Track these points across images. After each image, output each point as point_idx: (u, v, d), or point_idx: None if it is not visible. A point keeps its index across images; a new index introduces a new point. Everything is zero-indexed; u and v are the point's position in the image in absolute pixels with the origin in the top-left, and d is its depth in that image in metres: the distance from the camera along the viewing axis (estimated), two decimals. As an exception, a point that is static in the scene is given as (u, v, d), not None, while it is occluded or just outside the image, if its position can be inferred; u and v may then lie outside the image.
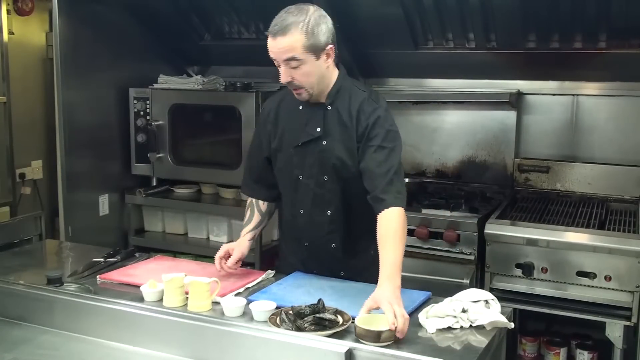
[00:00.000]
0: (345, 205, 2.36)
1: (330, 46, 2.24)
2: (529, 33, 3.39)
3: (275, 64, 2.23)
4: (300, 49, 2.17)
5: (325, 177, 2.33)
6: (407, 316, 1.89)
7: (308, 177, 2.35)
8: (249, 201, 2.57)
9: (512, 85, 3.68)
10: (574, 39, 3.34)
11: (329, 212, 2.36)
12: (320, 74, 2.24)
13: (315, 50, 2.20)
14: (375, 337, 1.79)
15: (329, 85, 2.30)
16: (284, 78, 2.22)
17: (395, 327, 1.82)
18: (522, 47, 3.44)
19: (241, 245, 2.44)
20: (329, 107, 2.31)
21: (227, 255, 2.38)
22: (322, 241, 2.39)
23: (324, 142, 2.31)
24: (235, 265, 2.38)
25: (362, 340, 1.80)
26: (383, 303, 1.89)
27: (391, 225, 2.13)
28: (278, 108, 2.43)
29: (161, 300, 2.12)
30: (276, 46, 2.19)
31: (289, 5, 3.72)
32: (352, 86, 2.37)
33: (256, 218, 2.53)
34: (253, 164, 2.55)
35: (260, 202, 2.54)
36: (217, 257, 2.39)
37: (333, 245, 2.39)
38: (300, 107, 2.34)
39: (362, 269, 2.41)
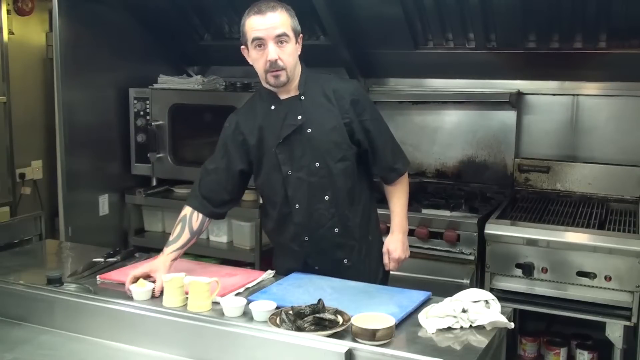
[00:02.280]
0: (342, 186, 2.39)
1: (301, 35, 2.34)
2: (529, 33, 3.39)
3: (256, 43, 2.25)
4: (289, 26, 2.27)
5: (317, 164, 2.35)
6: (404, 257, 2.55)
7: (298, 169, 2.36)
8: (181, 215, 2.46)
9: (512, 85, 3.68)
10: (574, 39, 3.33)
11: (326, 197, 2.37)
12: (296, 58, 2.33)
13: (296, 33, 2.31)
14: (371, 335, 1.79)
15: (298, 75, 2.36)
16: (273, 55, 2.23)
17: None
18: (522, 47, 3.44)
19: (165, 266, 2.30)
20: (303, 97, 2.36)
21: (146, 276, 2.25)
22: (324, 229, 2.38)
23: (309, 130, 2.34)
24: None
25: (357, 339, 1.80)
26: (389, 246, 2.51)
27: (402, 186, 2.58)
28: (245, 118, 2.44)
29: (151, 299, 2.12)
30: (267, 22, 2.23)
31: (287, 3, 3.73)
32: (316, 75, 2.44)
33: (185, 236, 2.41)
34: (209, 179, 2.48)
35: (194, 219, 2.43)
36: (132, 277, 2.21)
37: (336, 230, 2.39)
38: (273, 107, 2.37)
39: (365, 254, 2.46)
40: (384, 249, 2.54)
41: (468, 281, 3.06)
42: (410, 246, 3.15)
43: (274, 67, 2.25)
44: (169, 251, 2.37)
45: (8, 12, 4.32)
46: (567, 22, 3.23)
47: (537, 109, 3.71)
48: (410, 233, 3.15)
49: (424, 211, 3.27)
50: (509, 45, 3.45)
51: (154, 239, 3.92)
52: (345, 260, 2.43)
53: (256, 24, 2.25)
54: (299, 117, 2.33)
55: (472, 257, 3.10)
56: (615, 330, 2.86)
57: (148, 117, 3.82)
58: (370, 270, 2.49)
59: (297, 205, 2.39)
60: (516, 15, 3.23)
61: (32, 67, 4.56)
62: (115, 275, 2.37)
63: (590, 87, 3.59)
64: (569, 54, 3.38)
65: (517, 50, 3.46)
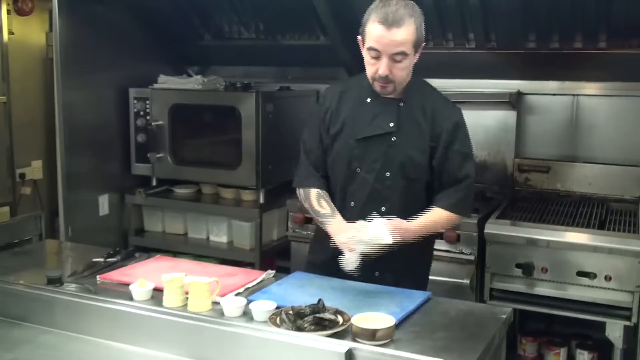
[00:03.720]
0: (401, 204, 2.30)
1: (422, 44, 2.26)
2: (529, 33, 3.39)
3: (371, 54, 2.18)
4: (410, 43, 2.16)
5: (388, 174, 2.30)
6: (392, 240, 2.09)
7: (368, 171, 2.30)
8: (313, 197, 2.34)
9: (512, 85, 3.68)
10: (574, 39, 3.33)
11: (383, 209, 2.29)
12: (409, 71, 2.26)
13: (417, 46, 2.21)
14: (371, 335, 1.79)
15: (407, 82, 2.30)
16: (384, 71, 2.17)
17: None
18: (522, 47, 3.44)
19: (346, 226, 2.20)
20: (402, 104, 2.30)
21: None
22: None
23: (394, 139, 2.29)
24: None
25: (357, 339, 1.80)
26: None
27: (443, 215, 2.29)
28: (340, 98, 2.36)
29: (151, 299, 2.12)
30: (389, 37, 2.13)
31: (287, 6, 3.74)
32: (422, 83, 2.38)
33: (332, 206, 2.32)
34: (314, 155, 2.39)
35: (325, 195, 2.36)
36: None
37: None
38: (369, 100, 2.31)
39: (400, 274, 2.34)
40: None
41: (468, 281, 3.06)
42: (411, 246, 3.18)
43: (382, 80, 2.21)
44: (337, 217, 2.26)
45: (8, 12, 4.32)
46: (567, 22, 3.23)
47: (537, 109, 3.71)
48: (410, 233, 3.17)
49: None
50: (509, 45, 3.45)
51: (154, 239, 3.92)
52: (377, 273, 2.34)
53: (377, 35, 2.15)
54: (391, 125, 2.28)
55: (472, 257, 3.10)
56: (615, 330, 2.86)
57: (148, 117, 3.82)
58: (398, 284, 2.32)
59: (352, 203, 2.34)
60: (516, 15, 3.23)
61: (32, 67, 4.57)
62: (115, 275, 2.37)
63: (590, 87, 3.59)
64: (569, 54, 3.38)
65: (517, 50, 3.46)
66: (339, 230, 2.20)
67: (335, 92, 2.39)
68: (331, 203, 2.34)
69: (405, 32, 2.14)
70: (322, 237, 2.34)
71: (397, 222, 2.16)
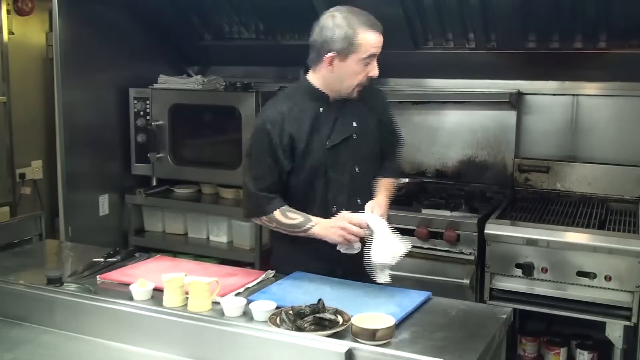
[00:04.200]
0: (369, 188, 2.42)
1: None
2: (529, 33, 3.39)
3: (369, 60, 2.27)
4: None
5: (357, 169, 2.40)
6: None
7: (341, 173, 2.37)
8: (280, 217, 2.32)
9: (512, 85, 3.68)
10: (574, 39, 3.33)
11: (359, 201, 2.36)
12: None
13: None
14: (371, 335, 1.79)
15: None
16: (377, 72, 2.30)
17: None
18: (522, 47, 3.44)
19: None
20: (348, 101, 2.38)
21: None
22: None
23: (355, 136, 2.38)
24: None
25: (357, 339, 1.80)
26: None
27: (391, 183, 2.51)
28: (288, 118, 2.32)
29: (151, 299, 2.12)
30: (380, 40, 2.28)
31: (288, 6, 3.75)
32: None
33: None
34: (267, 181, 2.33)
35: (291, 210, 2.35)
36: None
37: None
38: (321, 109, 2.35)
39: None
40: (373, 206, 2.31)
41: (468, 281, 3.06)
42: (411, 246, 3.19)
43: (367, 82, 2.31)
44: (314, 218, 2.30)
45: (8, 12, 4.33)
46: (567, 22, 3.23)
47: (537, 109, 3.71)
48: (410, 233, 3.17)
49: (424, 211, 3.26)
50: (509, 45, 3.45)
51: (154, 239, 3.93)
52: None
53: (375, 41, 2.25)
54: (354, 124, 2.38)
55: (472, 257, 3.10)
56: (615, 330, 2.86)
57: (148, 117, 3.82)
58: None
59: (334, 208, 2.35)
60: (516, 15, 3.23)
61: (32, 67, 4.57)
62: (115, 275, 2.37)
63: (590, 87, 3.59)
64: (569, 54, 3.38)
65: (517, 50, 3.46)
66: (326, 228, 2.27)
67: (279, 115, 2.32)
68: (297, 211, 2.34)
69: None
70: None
71: (378, 208, 2.30)
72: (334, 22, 2.25)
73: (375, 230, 2.22)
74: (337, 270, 2.38)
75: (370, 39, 2.24)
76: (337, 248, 2.26)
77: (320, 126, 2.34)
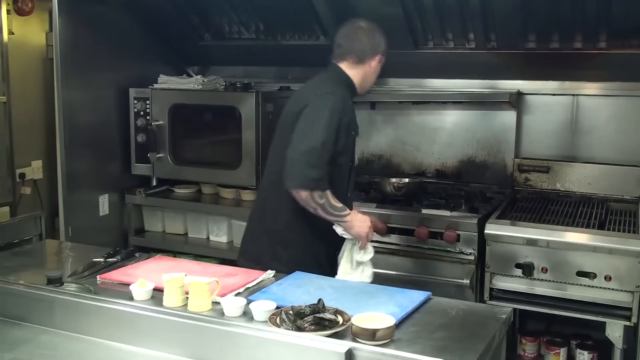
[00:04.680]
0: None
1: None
2: (529, 33, 3.39)
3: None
4: None
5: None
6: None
7: (354, 162, 2.75)
8: (329, 196, 2.48)
9: (512, 85, 3.68)
10: (574, 39, 3.34)
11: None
12: None
13: None
14: (371, 335, 1.79)
15: None
16: None
17: None
18: (522, 47, 3.44)
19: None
20: None
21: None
22: None
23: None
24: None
25: (357, 339, 1.80)
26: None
27: None
28: (348, 107, 2.61)
29: (151, 299, 2.12)
30: None
31: (287, 6, 3.75)
32: None
33: None
34: (327, 158, 2.48)
35: None
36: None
37: None
38: (350, 102, 2.65)
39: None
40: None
41: (468, 281, 3.06)
42: (411, 246, 3.20)
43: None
44: (348, 210, 2.54)
45: (8, 12, 4.32)
46: (567, 23, 3.23)
47: (537, 109, 3.71)
48: (410, 233, 3.18)
49: (424, 211, 3.26)
50: (509, 46, 3.45)
51: (154, 239, 3.93)
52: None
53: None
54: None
55: (472, 257, 3.10)
56: (615, 330, 2.86)
57: (148, 117, 3.82)
58: None
59: (349, 194, 2.70)
60: (516, 15, 3.23)
61: (32, 67, 4.57)
62: (115, 275, 2.36)
63: (590, 87, 3.59)
64: (569, 54, 3.38)
65: (517, 50, 3.46)
66: (360, 220, 2.55)
67: (347, 102, 2.60)
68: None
69: None
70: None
71: None
72: (377, 31, 2.69)
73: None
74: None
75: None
76: (339, 231, 2.55)
77: (355, 118, 2.67)
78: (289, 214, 2.59)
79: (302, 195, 2.45)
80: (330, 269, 2.61)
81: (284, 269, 2.45)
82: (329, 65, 2.72)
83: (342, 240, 2.60)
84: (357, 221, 2.53)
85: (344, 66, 2.66)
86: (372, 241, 2.64)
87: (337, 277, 2.52)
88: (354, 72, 2.66)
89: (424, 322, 2.00)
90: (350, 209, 2.59)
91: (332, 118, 2.49)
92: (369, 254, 2.57)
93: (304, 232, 2.62)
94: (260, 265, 2.51)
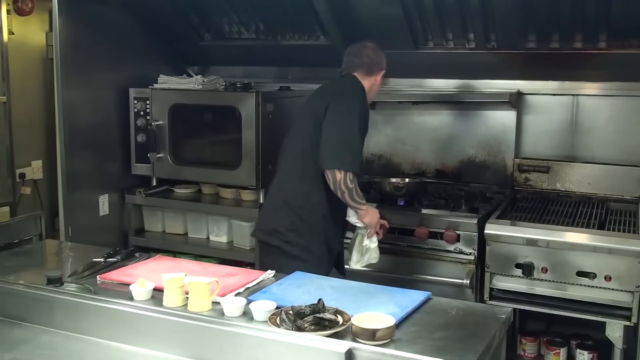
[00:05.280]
0: None
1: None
2: (529, 33, 3.39)
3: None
4: None
5: None
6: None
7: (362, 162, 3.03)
8: (357, 183, 2.78)
9: (512, 85, 3.68)
10: (574, 39, 3.34)
11: None
12: None
13: None
14: (371, 335, 1.79)
15: None
16: None
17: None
18: (522, 47, 3.44)
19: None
20: None
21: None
22: None
23: None
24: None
25: (357, 339, 1.80)
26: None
27: None
28: (366, 107, 2.93)
29: (151, 299, 2.13)
30: None
31: (287, 6, 3.76)
32: None
33: None
34: (360, 148, 2.90)
35: None
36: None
37: None
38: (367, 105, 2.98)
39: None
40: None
41: (468, 281, 3.06)
42: (411, 246, 3.20)
43: None
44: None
45: (8, 12, 4.32)
46: (567, 22, 3.23)
47: (537, 109, 3.71)
48: (410, 233, 3.18)
49: (424, 211, 3.27)
50: (509, 45, 3.45)
51: (154, 239, 3.92)
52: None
53: None
54: None
55: (472, 257, 3.10)
56: (615, 330, 2.86)
57: (148, 117, 3.82)
58: None
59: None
60: (516, 15, 3.23)
61: (32, 67, 4.57)
62: (115, 275, 2.37)
63: (590, 87, 3.59)
64: (569, 54, 3.38)
65: (517, 50, 3.46)
66: (373, 212, 2.88)
67: (366, 103, 2.94)
68: None
69: None
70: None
71: None
72: (380, 49, 3.01)
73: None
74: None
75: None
76: (353, 220, 2.90)
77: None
78: (310, 190, 2.83)
79: (338, 176, 2.72)
80: (334, 247, 2.95)
81: (300, 241, 2.81)
82: (342, 75, 3.02)
83: (347, 225, 2.97)
84: (370, 211, 2.86)
85: (358, 76, 2.96)
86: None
87: (352, 265, 2.97)
88: (364, 82, 2.95)
89: (424, 322, 2.00)
90: None
91: (361, 111, 2.84)
92: (374, 241, 2.92)
93: (322, 209, 2.84)
94: (274, 237, 2.85)
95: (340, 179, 2.71)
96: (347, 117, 2.78)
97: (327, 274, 2.83)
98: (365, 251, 2.94)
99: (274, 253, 2.84)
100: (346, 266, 3.04)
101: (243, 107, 3.58)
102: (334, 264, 2.99)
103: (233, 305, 2.02)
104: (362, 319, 1.85)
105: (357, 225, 2.91)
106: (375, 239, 2.93)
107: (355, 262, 2.96)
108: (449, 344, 1.84)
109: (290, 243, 2.82)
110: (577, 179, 3.62)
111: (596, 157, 3.60)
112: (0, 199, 4.30)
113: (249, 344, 1.69)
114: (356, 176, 2.77)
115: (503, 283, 3.02)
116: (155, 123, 3.79)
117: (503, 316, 2.05)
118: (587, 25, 3.22)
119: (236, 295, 2.17)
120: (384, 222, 2.97)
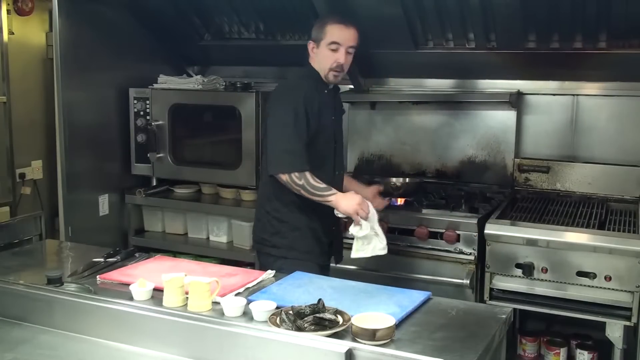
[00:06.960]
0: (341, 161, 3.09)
1: None
2: (529, 33, 3.39)
3: (331, 47, 2.78)
4: (357, 41, 2.84)
5: (337, 141, 2.96)
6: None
7: (338, 142, 2.95)
8: (309, 177, 2.67)
9: (512, 85, 3.68)
10: (574, 39, 3.33)
11: (337, 172, 2.95)
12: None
13: (357, 47, 2.87)
14: (371, 335, 1.79)
15: None
16: (346, 60, 2.80)
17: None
18: (522, 47, 3.43)
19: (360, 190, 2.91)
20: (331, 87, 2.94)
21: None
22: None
23: (335, 115, 2.97)
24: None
25: (357, 339, 1.80)
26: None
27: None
28: (310, 92, 2.80)
29: (151, 299, 2.13)
30: (350, 33, 2.80)
31: (288, 5, 3.76)
32: None
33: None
34: (304, 139, 2.73)
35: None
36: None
37: None
38: (326, 91, 2.87)
39: None
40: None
41: (468, 281, 3.06)
42: (411, 246, 3.20)
43: (338, 69, 2.81)
44: (332, 188, 2.70)
45: (8, 12, 4.32)
46: (567, 22, 3.23)
47: (537, 109, 3.71)
48: (410, 233, 3.18)
49: (424, 211, 3.27)
50: (509, 46, 3.45)
51: (154, 239, 3.93)
52: (334, 228, 2.96)
53: (341, 31, 2.78)
54: (343, 104, 3.11)
55: (472, 257, 3.10)
56: (615, 330, 2.86)
57: (148, 117, 3.82)
58: None
59: (337, 172, 2.92)
60: (516, 15, 3.23)
61: (32, 67, 4.56)
62: (115, 275, 2.37)
63: (590, 87, 3.59)
64: (569, 54, 3.38)
65: (517, 50, 3.46)
66: (345, 199, 2.66)
67: (307, 89, 2.80)
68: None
69: (356, 32, 2.82)
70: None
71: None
72: (319, 22, 2.87)
73: (371, 219, 2.66)
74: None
75: (335, 29, 2.78)
76: (336, 214, 2.71)
77: (328, 101, 2.87)
78: (279, 192, 2.79)
79: (282, 178, 2.70)
80: (328, 242, 2.91)
81: (283, 242, 2.80)
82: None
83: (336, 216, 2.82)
84: (342, 199, 2.66)
85: (310, 60, 2.90)
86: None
87: (352, 254, 2.73)
88: (313, 64, 2.88)
89: (424, 322, 2.00)
90: (340, 186, 2.91)
91: (297, 104, 2.74)
92: (364, 229, 2.65)
93: (296, 206, 2.80)
94: (263, 244, 2.87)
95: (287, 181, 2.67)
96: (278, 119, 2.75)
97: (323, 266, 2.87)
98: (367, 240, 2.71)
99: (265, 260, 2.86)
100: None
101: (243, 107, 3.58)
102: (330, 253, 2.97)
103: (233, 305, 2.02)
104: (362, 319, 1.85)
105: (339, 216, 2.74)
106: (364, 226, 2.65)
107: (355, 252, 2.74)
108: (449, 344, 1.84)
109: (275, 247, 2.83)
110: (577, 178, 3.62)
111: (596, 157, 3.60)
112: (0, 199, 4.30)
113: (249, 344, 1.69)
114: (305, 171, 2.66)
115: (503, 283, 3.02)
116: (155, 123, 3.79)
117: (503, 316, 2.05)
118: (587, 25, 3.22)
119: (236, 295, 2.17)
120: (378, 203, 2.91)
